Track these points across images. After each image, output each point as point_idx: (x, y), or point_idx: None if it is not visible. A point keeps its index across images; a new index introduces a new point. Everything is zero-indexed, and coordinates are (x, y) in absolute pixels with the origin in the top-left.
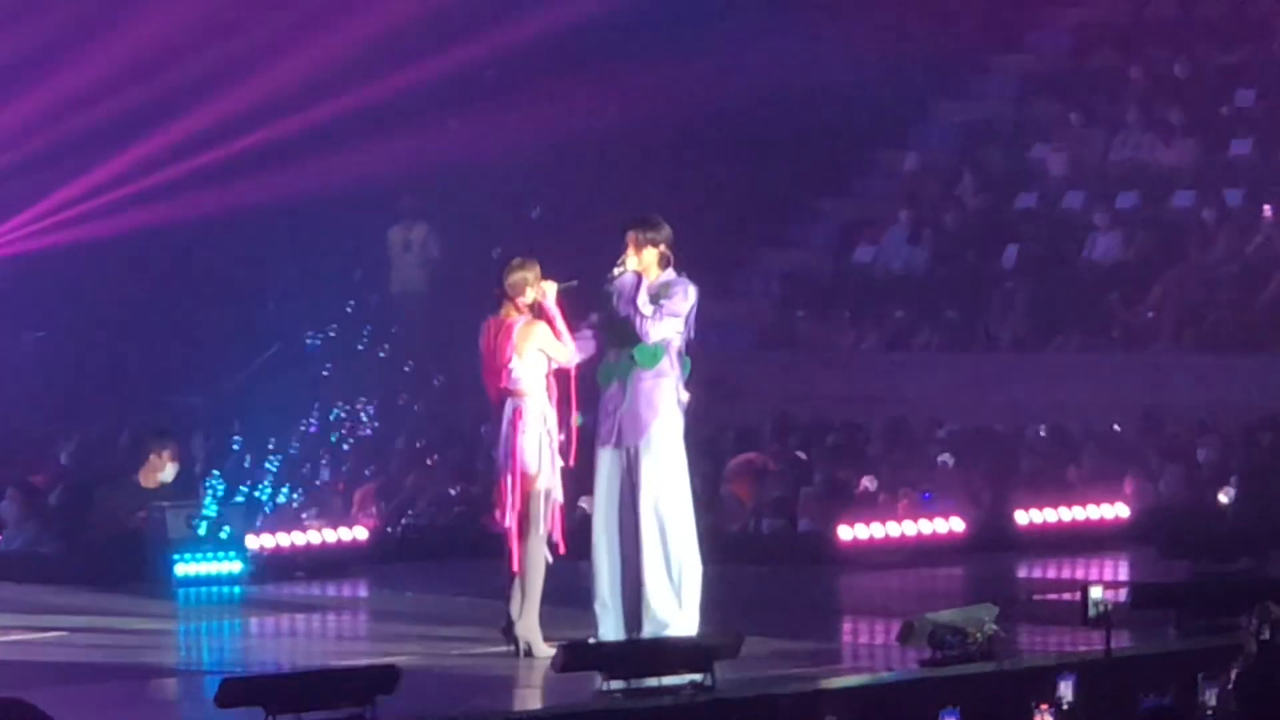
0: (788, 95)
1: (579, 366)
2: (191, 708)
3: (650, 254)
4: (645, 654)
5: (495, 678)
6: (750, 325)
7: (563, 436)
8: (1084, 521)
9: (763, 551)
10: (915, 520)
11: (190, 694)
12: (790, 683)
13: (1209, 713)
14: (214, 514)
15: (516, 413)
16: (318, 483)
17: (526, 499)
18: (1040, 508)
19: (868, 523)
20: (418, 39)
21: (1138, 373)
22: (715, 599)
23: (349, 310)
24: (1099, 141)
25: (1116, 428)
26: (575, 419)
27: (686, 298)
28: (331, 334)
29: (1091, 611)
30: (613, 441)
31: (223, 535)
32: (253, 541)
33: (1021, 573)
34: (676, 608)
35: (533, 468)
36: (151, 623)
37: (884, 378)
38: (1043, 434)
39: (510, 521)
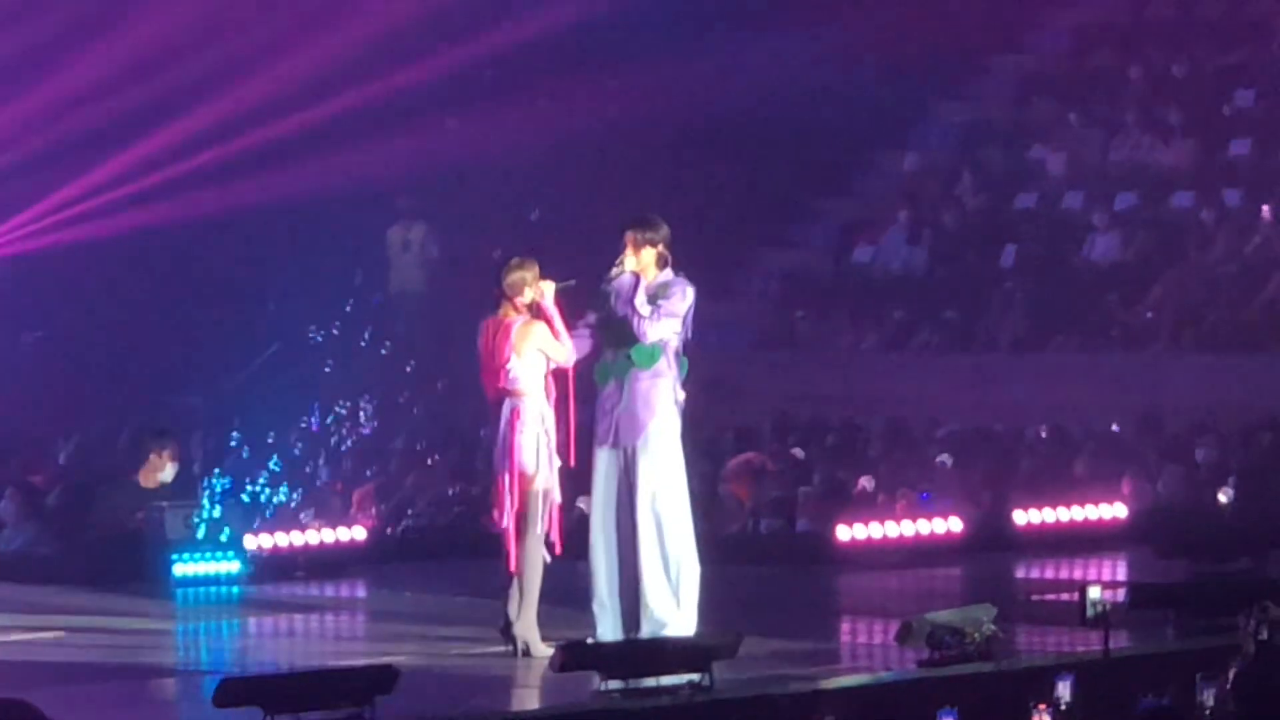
0: (787, 95)
1: (577, 365)
2: (190, 708)
3: (648, 254)
4: (643, 654)
5: (494, 678)
6: (749, 325)
7: (562, 436)
8: (1082, 522)
9: (761, 551)
10: (914, 520)
11: (189, 694)
12: (788, 683)
13: (1207, 713)
14: (213, 514)
15: (514, 412)
16: (318, 483)
17: (524, 499)
18: (1039, 508)
19: (866, 523)
20: (417, 39)
21: (1136, 373)
22: (713, 599)
23: (348, 310)
24: (1098, 142)
25: (1115, 428)
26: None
27: (684, 298)
28: (334, 331)
29: (1090, 612)
30: (609, 441)
31: (221, 535)
32: (251, 541)
33: (1020, 573)
34: (674, 607)
35: (530, 467)
36: (150, 623)
37: (883, 378)
38: (1044, 435)
39: (508, 521)
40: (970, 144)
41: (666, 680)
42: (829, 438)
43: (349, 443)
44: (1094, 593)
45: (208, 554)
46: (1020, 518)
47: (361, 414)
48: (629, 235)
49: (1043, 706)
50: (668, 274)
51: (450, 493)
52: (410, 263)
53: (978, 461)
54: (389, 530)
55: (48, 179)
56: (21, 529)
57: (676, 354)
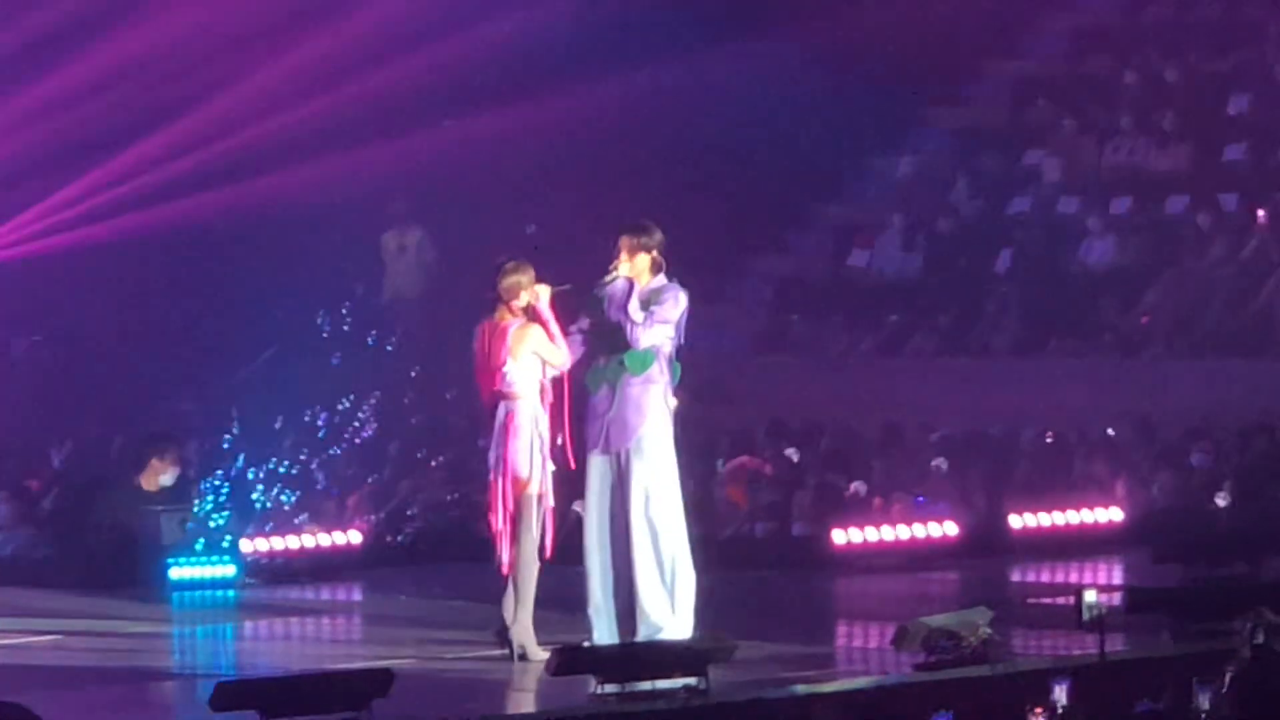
0: (782, 101)
1: (573, 371)
2: (186, 712)
3: (642, 260)
4: (639, 658)
5: (489, 681)
6: (745, 330)
7: (560, 440)
8: (1078, 525)
9: (757, 555)
10: (909, 524)
11: (185, 698)
12: (784, 686)
13: (1203, 717)
14: (210, 518)
15: (509, 416)
16: (316, 487)
17: (518, 502)
18: (1034, 512)
19: (861, 527)
20: (409, 43)
21: (1132, 377)
22: (709, 603)
23: (343, 314)
24: (1093, 147)
25: (1111, 432)
26: (556, 439)
27: (677, 304)
28: (325, 335)
29: (1086, 615)
30: (601, 446)
31: (223, 541)
32: (247, 545)
33: (1016, 577)
34: (669, 612)
35: (524, 471)
36: (146, 626)
37: (878, 382)
38: (1049, 439)
39: (501, 524)
40: (965, 149)
41: (662, 684)
42: (824, 442)
43: (345, 447)
44: (1090, 596)
45: (203, 558)
46: (1016, 521)
47: (358, 418)
48: (623, 240)
49: (1039, 710)
50: (661, 279)
51: (448, 498)
52: (405, 267)
53: (973, 465)
54: (388, 539)
55: (42, 184)
56: (16, 532)
57: (669, 360)
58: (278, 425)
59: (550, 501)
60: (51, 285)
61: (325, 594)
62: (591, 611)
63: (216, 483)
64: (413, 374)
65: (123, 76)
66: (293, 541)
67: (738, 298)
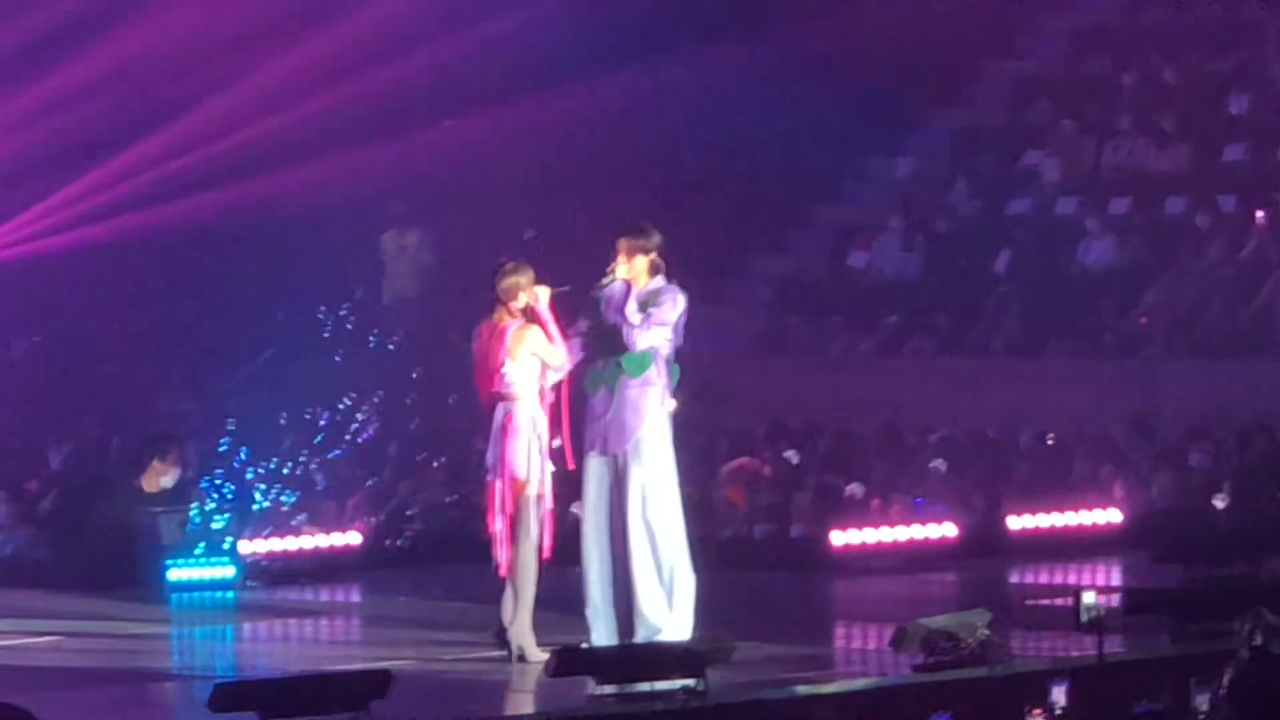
0: (781, 102)
1: (572, 372)
2: (185, 713)
3: (640, 262)
4: (638, 659)
5: (488, 682)
6: (744, 331)
7: (557, 442)
8: (1077, 527)
9: (755, 556)
10: (908, 526)
11: (183, 699)
12: (783, 688)
13: (1201, 718)
14: (210, 520)
15: (507, 417)
16: (316, 489)
17: (516, 503)
18: (1033, 513)
19: (860, 528)
20: (408, 43)
21: (1130, 378)
22: (708, 604)
23: (342, 315)
24: (1092, 147)
25: (1109, 433)
26: (555, 441)
27: (675, 306)
28: (326, 335)
29: (1084, 616)
30: (599, 448)
31: (224, 543)
32: (246, 546)
33: (1014, 578)
34: (668, 613)
35: (522, 472)
36: (145, 628)
37: (877, 383)
38: (1051, 441)
39: (499, 525)
40: (964, 149)
41: (661, 685)
42: (823, 443)
43: (344, 448)
44: (1088, 598)
45: (202, 559)
46: (1014, 523)
47: (357, 419)
48: (621, 242)
49: (1037, 712)
50: (659, 281)
51: (447, 499)
52: (405, 269)
53: (972, 466)
54: (387, 542)
55: (41, 184)
56: (15, 533)
57: (667, 362)
58: (276, 426)
59: (549, 503)
60: (50, 286)
61: (324, 595)
62: (590, 613)
63: (216, 484)
64: (414, 375)
65: (122, 77)
66: (292, 543)
67: (737, 298)
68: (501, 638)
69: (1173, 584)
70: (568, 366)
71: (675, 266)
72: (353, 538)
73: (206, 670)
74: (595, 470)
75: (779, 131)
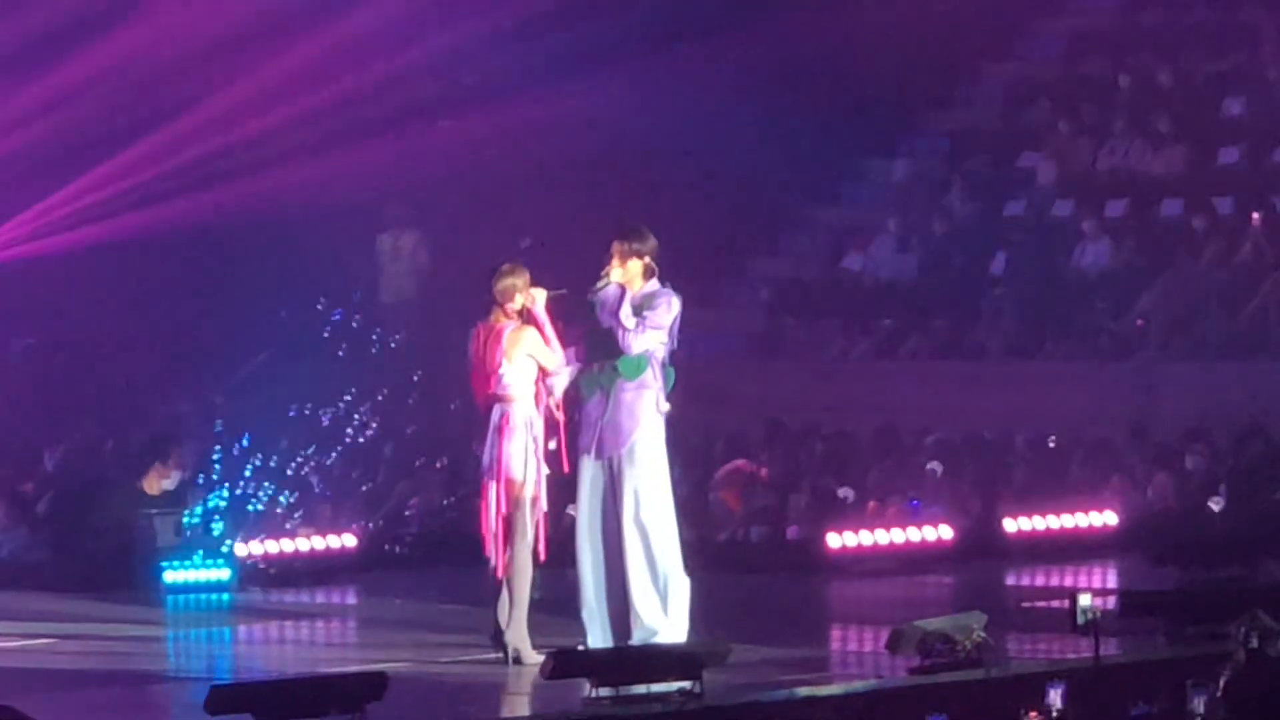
0: (779, 103)
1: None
2: (181, 714)
3: (635, 265)
4: (634, 661)
5: (484, 685)
6: (740, 333)
7: (553, 445)
8: (1073, 529)
9: (751, 559)
10: (904, 528)
11: (179, 701)
12: (779, 690)
13: None
14: (210, 522)
15: (504, 418)
16: (314, 490)
17: (511, 505)
18: (1029, 515)
19: (856, 530)
20: (407, 43)
21: (1126, 381)
22: (704, 607)
23: (338, 318)
24: (1088, 149)
25: (1105, 436)
26: (550, 443)
27: (670, 309)
28: (326, 336)
29: (1080, 619)
30: (594, 452)
31: (224, 546)
32: (242, 549)
33: (1010, 580)
34: (663, 616)
35: (518, 474)
36: (140, 629)
37: (873, 385)
38: (1052, 443)
39: (495, 527)
40: (960, 152)
41: (657, 688)
42: (819, 445)
43: (341, 450)
44: (1085, 600)
45: (198, 561)
46: (1010, 525)
47: (354, 421)
48: (616, 246)
49: (1034, 714)
50: (654, 285)
51: (444, 502)
52: (401, 270)
53: (968, 469)
54: (386, 547)
55: (38, 186)
56: (11, 536)
57: (663, 365)
58: (273, 428)
59: (544, 505)
60: (46, 287)
61: (320, 597)
62: (585, 615)
63: (213, 486)
64: (415, 378)
65: (119, 78)
66: (288, 545)
67: (734, 300)
68: (497, 640)
69: (1169, 586)
70: (563, 370)
71: (672, 268)
72: (348, 540)
73: (202, 672)
74: (589, 473)
75: (776, 133)
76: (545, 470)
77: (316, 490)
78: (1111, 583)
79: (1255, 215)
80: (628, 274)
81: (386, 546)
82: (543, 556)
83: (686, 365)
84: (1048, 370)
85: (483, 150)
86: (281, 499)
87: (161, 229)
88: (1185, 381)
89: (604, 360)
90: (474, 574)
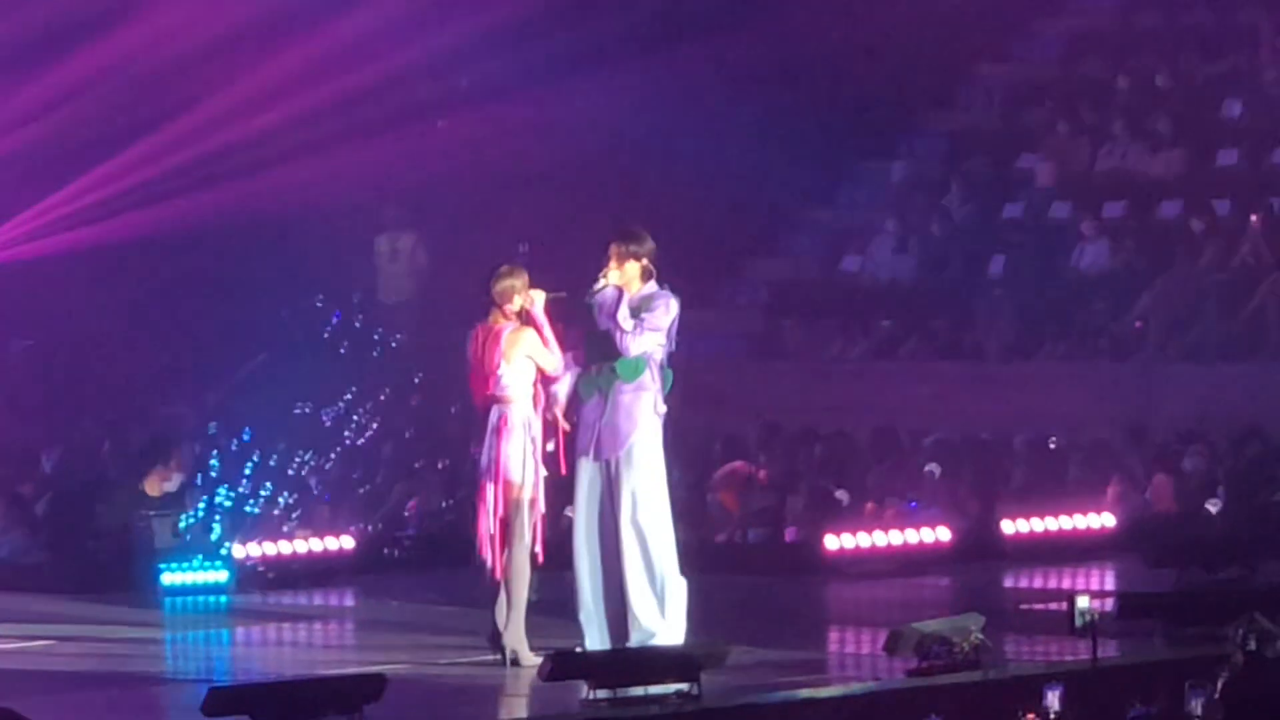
0: (776, 103)
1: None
2: (178, 716)
3: (632, 267)
4: (631, 663)
5: (482, 687)
6: (738, 334)
7: (551, 446)
8: (1071, 531)
9: (749, 561)
10: (902, 530)
11: (177, 703)
12: (777, 692)
13: None
14: (210, 523)
15: (502, 419)
16: (312, 491)
17: (509, 507)
18: (1027, 517)
19: (854, 532)
20: (406, 43)
21: (1125, 382)
22: (701, 608)
23: (336, 319)
24: (1086, 151)
25: (1103, 437)
26: (549, 445)
27: (668, 311)
28: (325, 336)
29: (1078, 621)
30: (591, 453)
31: (223, 548)
32: (240, 551)
33: (1008, 582)
34: (661, 617)
35: (516, 476)
36: (138, 631)
37: (871, 387)
38: (1053, 444)
39: (492, 529)
40: (958, 153)
41: (654, 690)
42: (817, 447)
43: (339, 451)
44: (1082, 602)
45: (195, 563)
46: (1009, 527)
47: (352, 423)
48: (613, 248)
49: (1031, 716)
50: (652, 287)
51: (443, 504)
52: (399, 271)
53: (966, 470)
54: (385, 551)
55: (35, 187)
56: (9, 537)
57: (661, 367)
58: (272, 430)
59: (542, 507)
60: (45, 288)
61: (318, 599)
62: (583, 617)
63: (212, 487)
64: (416, 380)
65: (119, 78)
66: (286, 547)
67: (732, 302)
68: (495, 642)
69: (1167, 588)
70: (565, 377)
71: (670, 270)
72: (346, 542)
73: (200, 674)
74: (587, 474)
75: (774, 134)
76: (543, 472)
77: (315, 492)
78: (1109, 584)
79: (1254, 217)
80: (625, 276)
81: (386, 551)
82: (540, 558)
83: (685, 367)
84: (1046, 371)
85: (481, 151)
86: (280, 500)
87: (160, 230)
88: (1184, 383)
89: (602, 362)
90: (472, 576)
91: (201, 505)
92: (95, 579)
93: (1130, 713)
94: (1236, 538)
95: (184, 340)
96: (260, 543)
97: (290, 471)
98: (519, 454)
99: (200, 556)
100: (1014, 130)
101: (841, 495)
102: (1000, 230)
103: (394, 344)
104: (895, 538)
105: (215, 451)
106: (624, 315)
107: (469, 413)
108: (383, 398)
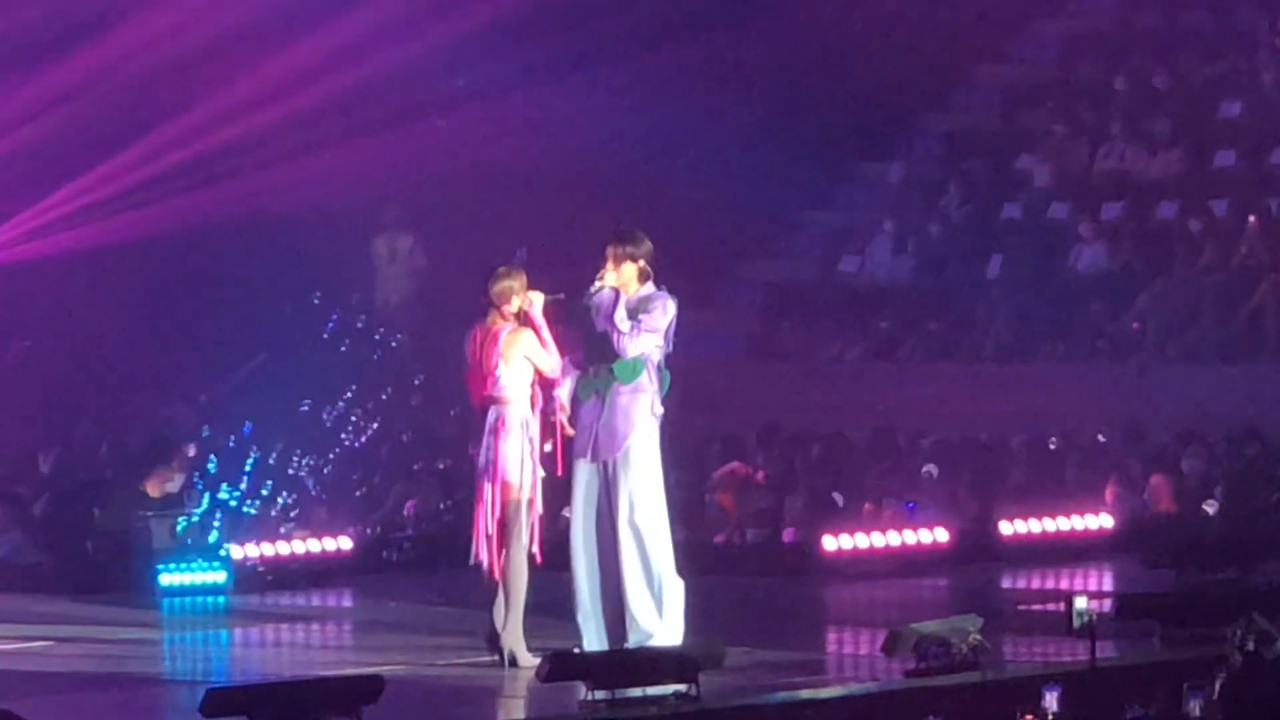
0: (774, 104)
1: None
2: (176, 717)
3: (629, 269)
4: (630, 664)
5: (480, 688)
6: (735, 335)
7: (549, 447)
8: (1069, 532)
9: (747, 561)
10: (900, 530)
11: (175, 704)
12: (775, 693)
13: None
14: (210, 524)
15: (500, 420)
16: (310, 492)
17: (507, 508)
18: (1025, 518)
19: (852, 533)
20: (405, 43)
21: (1122, 383)
22: (700, 609)
23: (334, 320)
24: (1084, 152)
25: (1101, 438)
26: (546, 446)
27: (665, 313)
28: (325, 336)
29: (1076, 622)
30: (588, 455)
31: (215, 547)
32: (237, 551)
33: (1006, 583)
34: (658, 618)
35: (514, 476)
36: (136, 632)
37: (869, 388)
38: (1053, 445)
39: (490, 529)
40: (955, 154)
41: (653, 691)
42: (815, 448)
43: (337, 452)
44: (1080, 603)
45: (194, 564)
46: (1006, 528)
47: (350, 424)
48: (610, 249)
49: (1029, 717)
50: (649, 288)
51: (441, 505)
52: (397, 273)
53: (964, 471)
54: (384, 554)
55: (35, 187)
56: (6, 538)
57: (658, 368)
58: (270, 430)
59: (540, 507)
60: (43, 289)
61: (316, 600)
62: (580, 618)
63: (214, 486)
64: (417, 382)
65: (118, 78)
66: (284, 548)
67: (730, 303)
68: (493, 643)
69: (1165, 589)
70: (565, 381)
71: (668, 270)
72: (344, 543)
73: (198, 675)
74: (584, 476)
75: (772, 135)
76: (541, 472)
77: (313, 493)
78: (1107, 585)
79: (1252, 218)
80: (622, 277)
81: (385, 554)
82: (538, 559)
83: (683, 368)
84: (1044, 372)
85: (480, 151)
86: (279, 500)
87: (159, 230)
88: (1182, 384)
89: (599, 364)
90: (470, 577)
91: (203, 504)
92: (93, 580)
93: (1128, 713)
94: (1234, 538)
95: (183, 340)
96: (258, 544)
97: (291, 470)
98: (517, 454)
99: (198, 557)
100: (1012, 131)
101: (836, 498)
102: (998, 231)
103: (394, 344)
104: (893, 538)
105: (212, 455)
106: (621, 317)
107: (468, 415)
108: (385, 397)
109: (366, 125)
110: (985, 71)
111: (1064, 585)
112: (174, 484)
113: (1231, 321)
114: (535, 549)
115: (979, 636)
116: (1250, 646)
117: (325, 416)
